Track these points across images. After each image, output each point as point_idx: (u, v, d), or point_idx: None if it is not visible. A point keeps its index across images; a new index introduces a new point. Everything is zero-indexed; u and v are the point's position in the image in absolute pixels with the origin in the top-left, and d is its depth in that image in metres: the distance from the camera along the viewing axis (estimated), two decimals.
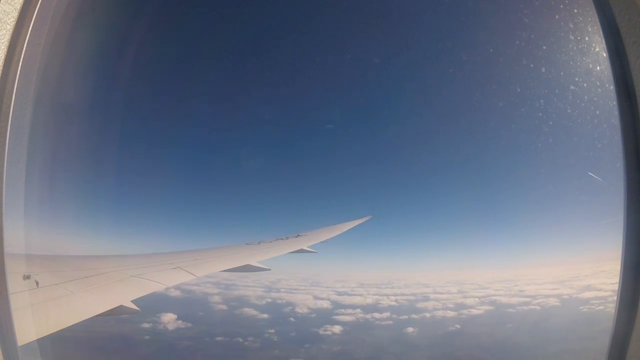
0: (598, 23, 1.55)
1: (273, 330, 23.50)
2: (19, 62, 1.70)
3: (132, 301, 4.01)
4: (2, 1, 1.63)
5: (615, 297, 1.50)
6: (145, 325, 22.08)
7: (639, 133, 1.43)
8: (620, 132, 1.48)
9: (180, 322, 23.11)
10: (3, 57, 1.65)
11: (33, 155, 1.99)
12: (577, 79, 2.67)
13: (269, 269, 6.40)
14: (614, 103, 1.50)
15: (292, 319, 25.38)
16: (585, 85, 2.43)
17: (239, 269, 5.90)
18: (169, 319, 22.79)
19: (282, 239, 8.10)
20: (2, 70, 1.66)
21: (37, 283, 3.45)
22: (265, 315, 25.45)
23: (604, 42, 1.54)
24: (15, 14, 1.67)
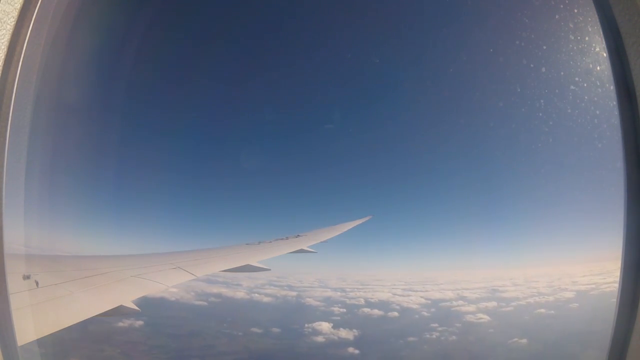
0: (598, 23, 1.55)
1: (436, 324, 23.36)
2: (19, 62, 1.70)
3: (132, 301, 4.01)
4: (2, 1, 1.63)
5: (615, 297, 1.50)
6: (319, 339, 21.54)
7: (639, 133, 1.43)
8: (620, 132, 1.48)
9: (342, 330, 22.65)
10: (3, 57, 1.65)
11: (33, 155, 1.99)
12: (577, 79, 2.67)
13: (269, 269, 6.40)
14: (614, 103, 1.50)
15: (425, 313, 25.37)
16: (585, 85, 2.43)
17: (239, 269, 5.90)
18: (326, 329, 22.32)
19: (282, 239, 8.10)
20: (2, 70, 1.66)
21: (37, 283, 3.45)
22: (396, 314, 25.41)
23: (604, 42, 1.54)
24: (15, 14, 1.67)
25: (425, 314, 25.74)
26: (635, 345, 1.39)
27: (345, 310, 25.89)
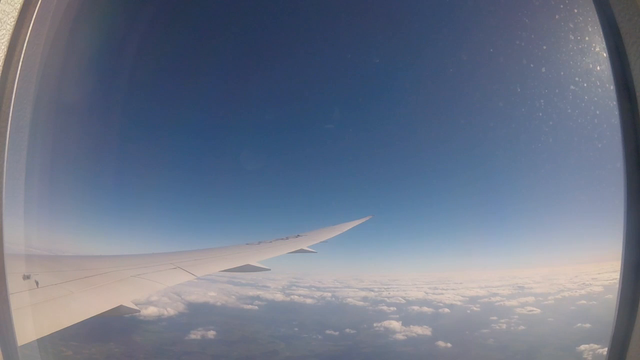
0: (598, 23, 1.55)
1: (495, 317, 24.25)
2: (18, 62, 1.70)
3: (132, 301, 4.01)
4: (2, 1, 1.63)
5: (615, 297, 1.50)
6: (399, 336, 22.43)
7: (639, 133, 1.43)
8: (620, 132, 1.48)
9: (414, 327, 23.41)
10: (3, 57, 1.65)
11: (33, 155, 1.99)
12: (577, 79, 2.67)
13: (269, 269, 6.40)
14: (614, 103, 1.50)
15: (474, 308, 26.89)
16: (585, 85, 2.43)
17: (239, 269, 5.90)
18: (398, 327, 23.29)
19: (282, 239, 8.10)
20: (2, 70, 1.66)
21: (37, 283, 3.45)
22: (447, 310, 26.82)
23: (604, 42, 1.54)
24: (15, 14, 1.67)
25: (474, 309, 26.28)
26: (635, 345, 1.39)
27: (395, 309, 26.18)
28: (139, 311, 4.05)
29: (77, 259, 5.94)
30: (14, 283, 2.87)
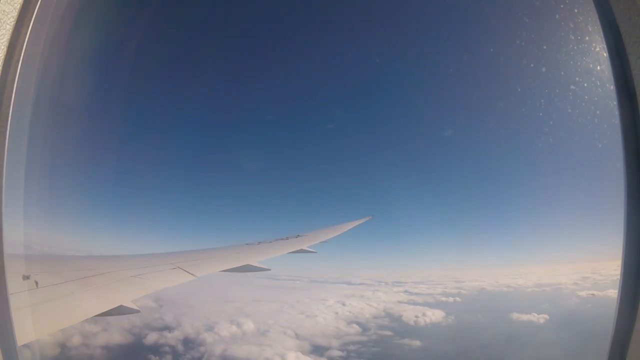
0: (598, 23, 1.55)
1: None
2: (18, 62, 1.70)
3: (132, 301, 4.01)
4: (2, 1, 1.63)
5: (616, 297, 1.50)
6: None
7: (639, 133, 1.43)
8: (620, 132, 1.48)
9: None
10: (3, 57, 1.65)
11: (33, 155, 1.99)
12: (577, 79, 2.67)
13: (269, 269, 6.39)
14: (614, 103, 1.50)
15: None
16: (585, 85, 2.42)
17: (239, 269, 5.90)
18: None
19: (282, 239, 8.10)
20: (2, 70, 1.66)
21: (36, 283, 3.45)
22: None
23: (604, 42, 1.54)
24: (15, 14, 1.67)
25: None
26: (635, 345, 1.39)
27: (546, 289, 26.31)
28: (139, 311, 4.04)
29: (77, 259, 5.95)
30: (14, 283, 2.87)
